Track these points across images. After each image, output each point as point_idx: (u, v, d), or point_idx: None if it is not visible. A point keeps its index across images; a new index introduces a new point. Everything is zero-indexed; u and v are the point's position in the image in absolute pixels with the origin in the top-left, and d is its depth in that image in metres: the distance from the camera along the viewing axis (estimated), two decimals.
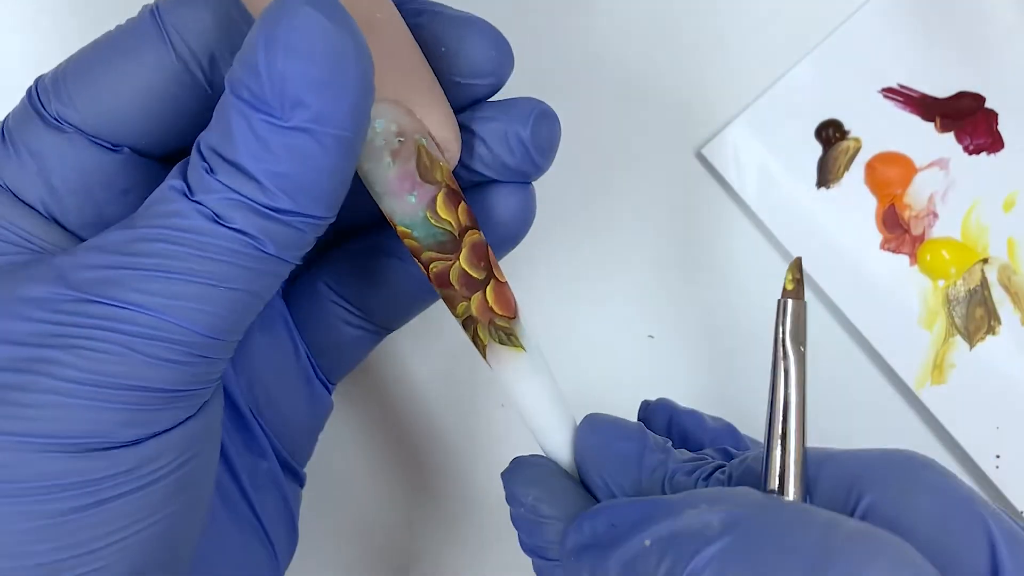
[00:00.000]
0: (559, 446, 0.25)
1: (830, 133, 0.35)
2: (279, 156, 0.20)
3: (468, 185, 0.25)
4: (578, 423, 0.25)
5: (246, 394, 0.27)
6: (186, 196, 0.20)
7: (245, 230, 0.20)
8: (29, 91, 0.23)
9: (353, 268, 0.27)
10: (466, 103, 0.24)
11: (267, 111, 0.20)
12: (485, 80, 0.24)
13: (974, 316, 0.34)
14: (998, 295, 0.34)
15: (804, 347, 0.22)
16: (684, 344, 0.35)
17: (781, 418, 0.22)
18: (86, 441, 0.20)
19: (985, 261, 0.34)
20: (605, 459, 0.24)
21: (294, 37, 0.19)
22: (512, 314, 0.24)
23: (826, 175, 0.34)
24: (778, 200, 0.34)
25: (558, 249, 0.35)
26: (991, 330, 0.34)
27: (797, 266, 0.22)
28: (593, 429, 0.25)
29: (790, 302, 0.22)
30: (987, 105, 0.34)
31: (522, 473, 0.25)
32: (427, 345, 0.35)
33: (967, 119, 0.34)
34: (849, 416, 0.35)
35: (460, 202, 0.23)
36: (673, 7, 0.35)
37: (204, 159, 0.20)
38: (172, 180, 0.21)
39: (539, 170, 0.25)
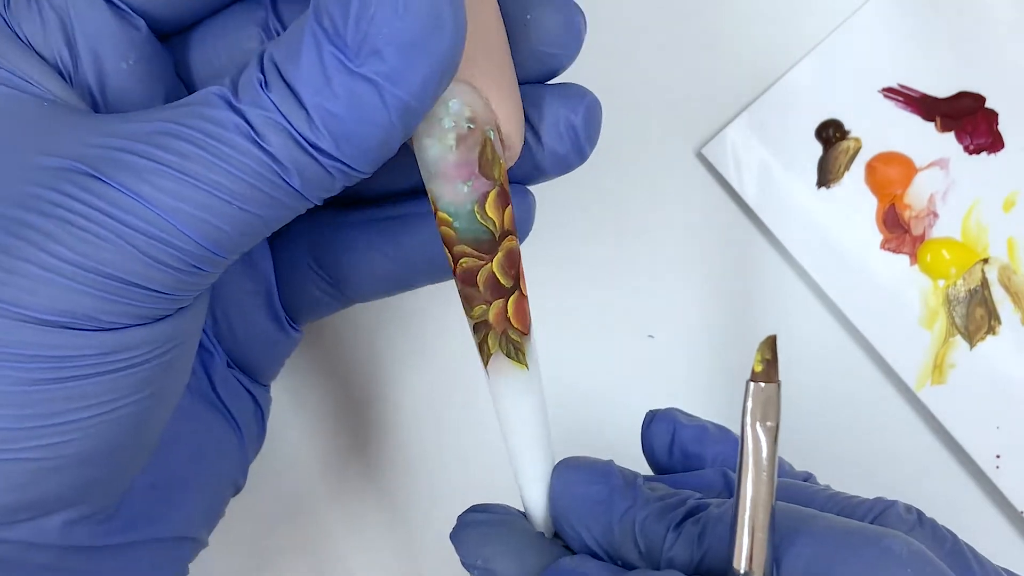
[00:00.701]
0: (534, 472, 0.24)
1: (830, 133, 0.35)
2: (338, 96, 0.19)
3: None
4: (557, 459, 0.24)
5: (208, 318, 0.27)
6: (229, 103, 0.20)
7: (277, 156, 0.20)
8: None
9: (336, 239, 0.27)
10: (542, 77, 0.24)
11: (341, 48, 0.19)
12: (566, 51, 0.24)
13: (974, 316, 0.34)
14: (998, 295, 0.34)
15: (777, 427, 0.21)
16: (684, 344, 0.35)
17: (748, 503, 0.20)
18: (61, 319, 0.20)
19: (985, 261, 0.34)
20: (574, 505, 0.23)
21: None
22: (526, 330, 0.24)
23: (826, 175, 0.34)
24: (778, 200, 0.34)
25: (558, 249, 0.35)
26: (991, 330, 0.34)
27: (768, 346, 0.21)
28: (563, 473, 0.24)
29: (758, 386, 0.21)
30: (987, 105, 0.34)
31: (470, 532, 0.24)
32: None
33: (967, 119, 0.34)
34: (849, 416, 0.35)
35: (509, 205, 0.23)
36: (672, 6, 0.35)
37: (262, 70, 0.20)
38: (220, 86, 0.20)
39: (583, 159, 0.25)
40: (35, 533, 0.22)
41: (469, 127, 0.22)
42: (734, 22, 0.35)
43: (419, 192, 0.24)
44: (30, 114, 0.22)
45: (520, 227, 0.25)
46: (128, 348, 0.21)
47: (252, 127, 0.20)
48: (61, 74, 0.22)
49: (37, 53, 0.22)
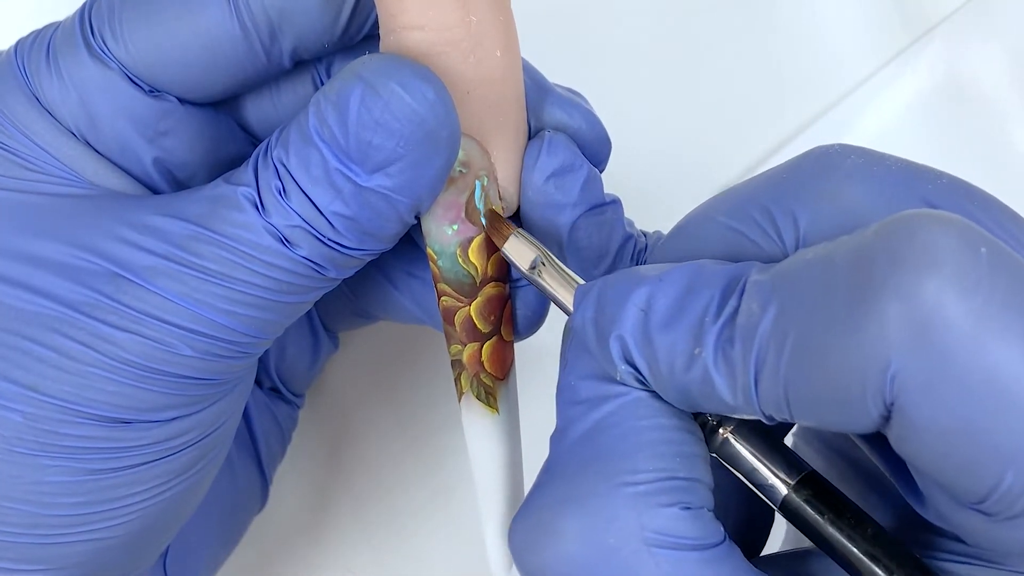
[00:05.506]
0: (496, 516, 0.24)
1: None
2: (350, 204, 0.20)
3: None
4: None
5: None
6: (257, 210, 0.21)
7: (311, 258, 0.21)
8: (82, 10, 0.22)
9: (370, 275, 0.27)
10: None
11: (346, 165, 0.20)
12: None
13: None
14: None
15: (537, 255, 0.22)
16: None
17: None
18: (118, 415, 0.21)
19: None
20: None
21: (392, 110, 0.20)
22: (501, 376, 0.23)
23: None
24: None
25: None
26: None
27: (488, 217, 0.22)
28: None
29: (504, 251, 0.22)
30: None
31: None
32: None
33: None
34: None
35: (496, 252, 0.23)
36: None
37: (279, 176, 0.21)
38: (244, 187, 0.21)
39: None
40: None
41: (461, 171, 0.22)
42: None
43: None
44: (56, 188, 0.22)
45: (525, 327, 0.24)
46: (181, 434, 0.22)
47: (282, 235, 0.21)
48: (83, 139, 0.22)
49: (56, 120, 0.22)
